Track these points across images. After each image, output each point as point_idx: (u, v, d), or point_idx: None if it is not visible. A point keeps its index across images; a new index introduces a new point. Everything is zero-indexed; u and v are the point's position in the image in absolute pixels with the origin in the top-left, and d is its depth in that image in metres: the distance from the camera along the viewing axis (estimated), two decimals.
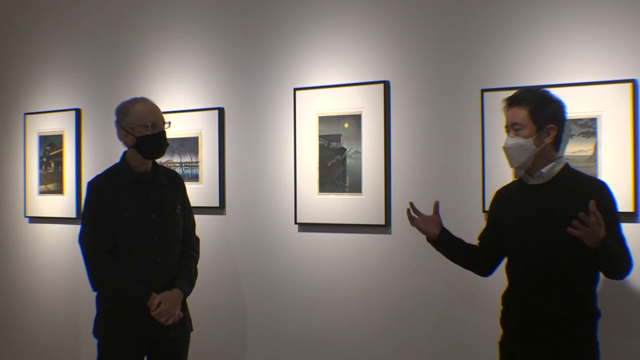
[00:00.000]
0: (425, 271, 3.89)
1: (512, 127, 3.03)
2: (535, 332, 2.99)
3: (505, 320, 3.13)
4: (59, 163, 5.26)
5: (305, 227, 4.26)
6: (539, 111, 2.98)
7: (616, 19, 3.41)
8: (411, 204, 3.29)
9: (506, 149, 3.04)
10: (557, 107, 3.03)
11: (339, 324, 4.16)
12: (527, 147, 2.98)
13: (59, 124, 5.25)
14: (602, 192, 2.95)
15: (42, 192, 5.37)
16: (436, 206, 3.30)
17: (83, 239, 3.56)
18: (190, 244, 3.74)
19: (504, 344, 3.14)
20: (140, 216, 3.55)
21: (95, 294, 3.62)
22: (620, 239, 2.93)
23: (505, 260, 3.20)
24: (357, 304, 4.10)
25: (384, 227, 3.99)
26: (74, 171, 5.16)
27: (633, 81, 3.35)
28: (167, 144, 3.63)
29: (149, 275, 3.53)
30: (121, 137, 3.63)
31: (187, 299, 3.68)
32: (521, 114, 2.99)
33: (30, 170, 5.44)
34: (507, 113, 3.06)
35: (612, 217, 2.91)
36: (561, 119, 3.04)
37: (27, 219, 5.51)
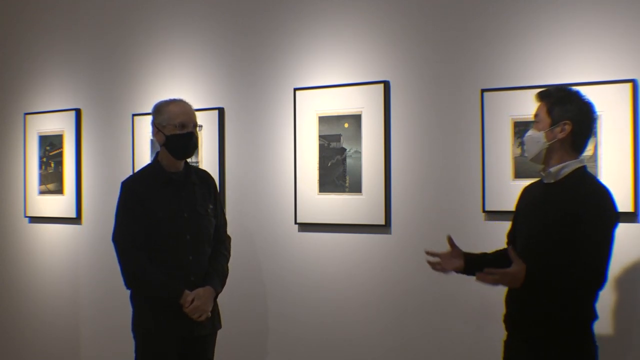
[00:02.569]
0: (426, 271, 3.86)
1: (534, 121, 3.08)
2: (532, 332, 2.98)
3: (507, 320, 3.13)
4: (59, 163, 5.25)
5: (305, 227, 4.26)
6: (557, 107, 2.98)
7: (616, 19, 3.41)
8: (428, 253, 3.29)
9: (524, 141, 3.13)
10: (580, 106, 2.99)
11: (338, 324, 4.16)
12: (539, 140, 3.00)
13: (59, 124, 5.25)
14: (595, 199, 2.92)
15: (42, 192, 5.37)
16: (451, 240, 3.26)
17: (117, 237, 3.63)
18: (222, 243, 3.80)
19: (507, 343, 3.14)
20: (173, 215, 3.61)
21: (129, 292, 3.68)
22: (592, 250, 2.86)
23: None
24: (356, 304, 4.10)
25: (384, 227, 3.99)
26: (74, 171, 5.16)
27: (633, 81, 3.35)
28: (195, 146, 3.70)
29: (181, 273, 3.59)
30: (154, 134, 3.72)
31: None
32: (541, 108, 3.03)
33: (30, 170, 5.44)
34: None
35: (592, 227, 2.86)
36: (582, 118, 2.99)
37: (27, 219, 5.51)
